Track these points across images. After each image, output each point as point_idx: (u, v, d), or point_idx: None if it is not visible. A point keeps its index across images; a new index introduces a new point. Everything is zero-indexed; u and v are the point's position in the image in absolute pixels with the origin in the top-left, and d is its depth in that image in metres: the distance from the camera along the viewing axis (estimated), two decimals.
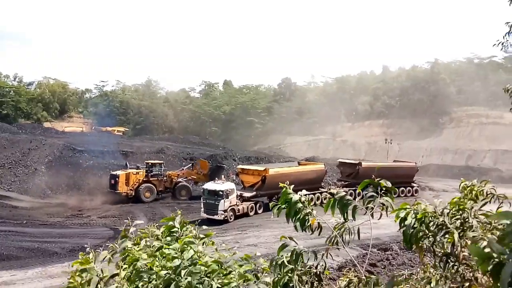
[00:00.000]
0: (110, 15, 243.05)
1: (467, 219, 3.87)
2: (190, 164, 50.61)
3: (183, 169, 48.90)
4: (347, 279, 4.11)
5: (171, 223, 4.97)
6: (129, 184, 43.47)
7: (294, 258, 3.90)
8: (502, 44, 12.02)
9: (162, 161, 49.28)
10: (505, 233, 1.92)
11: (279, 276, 3.93)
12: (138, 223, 5.16)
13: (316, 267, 4.03)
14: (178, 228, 4.82)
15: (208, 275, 4.01)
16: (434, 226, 3.87)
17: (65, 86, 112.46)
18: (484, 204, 4.17)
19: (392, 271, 20.91)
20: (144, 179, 44.42)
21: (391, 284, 3.19)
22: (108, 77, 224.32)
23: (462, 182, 4.45)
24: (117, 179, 43.04)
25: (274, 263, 4.01)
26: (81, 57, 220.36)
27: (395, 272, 18.69)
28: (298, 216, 4.10)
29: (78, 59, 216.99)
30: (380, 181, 3.87)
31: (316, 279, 4.05)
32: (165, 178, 45.79)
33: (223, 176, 42.45)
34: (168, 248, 4.34)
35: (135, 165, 46.72)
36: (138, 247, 4.65)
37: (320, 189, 42.02)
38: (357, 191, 4.13)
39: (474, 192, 4.22)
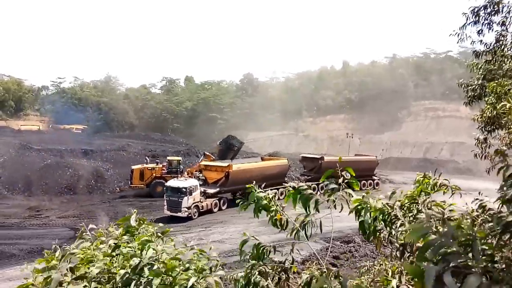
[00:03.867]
0: (65, 9, 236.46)
1: (420, 211, 3.96)
2: (203, 155, 50.15)
3: (199, 163, 48.27)
4: (310, 273, 4.13)
5: (129, 221, 4.83)
6: (143, 179, 44.49)
7: (256, 253, 3.89)
8: (458, 35, 12.22)
9: (180, 158, 49.27)
10: (426, 246, 1.98)
11: (247, 272, 3.93)
12: (93, 227, 4.99)
13: (283, 263, 4.04)
14: (135, 227, 4.69)
15: (168, 272, 3.95)
16: (389, 220, 3.93)
17: (20, 83, 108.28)
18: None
19: (355, 263, 21.34)
20: (158, 175, 44.83)
21: (347, 280, 3.24)
22: (65, 73, 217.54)
23: (418, 176, 4.53)
24: (131, 173, 44.52)
25: (242, 258, 4.01)
26: (36, 52, 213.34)
27: (357, 264, 19.07)
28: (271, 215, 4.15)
29: (34, 55, 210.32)
30: (342, 172, 3.90)
31: (283, 274, 4.06)
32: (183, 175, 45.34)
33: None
34: (125, 247, 4.24)
35: (154, 161, 47.62)
36: (93, 247, 4.49)
37: (283, 184, 42.29)
38: (320, 185, 4.15)
39: (428, 184, 4.28)
